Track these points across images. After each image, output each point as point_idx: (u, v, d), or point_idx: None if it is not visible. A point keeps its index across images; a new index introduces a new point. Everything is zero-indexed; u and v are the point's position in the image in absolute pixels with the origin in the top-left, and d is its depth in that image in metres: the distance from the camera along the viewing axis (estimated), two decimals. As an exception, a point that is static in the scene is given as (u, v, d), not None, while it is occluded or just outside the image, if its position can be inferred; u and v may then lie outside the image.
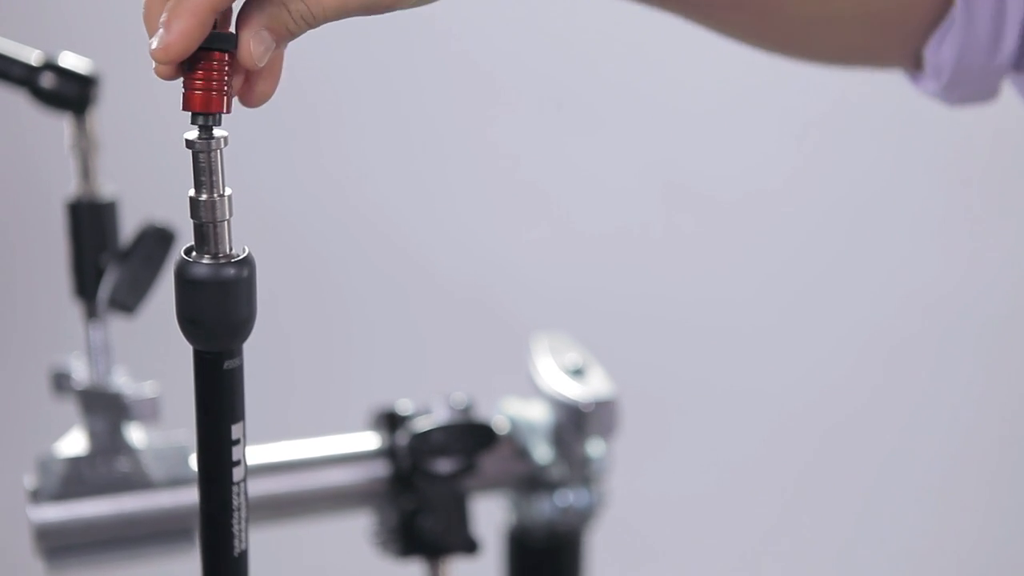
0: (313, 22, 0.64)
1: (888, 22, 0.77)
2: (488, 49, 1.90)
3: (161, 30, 0.61)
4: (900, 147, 1.81)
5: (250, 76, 0.65)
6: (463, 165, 1.95)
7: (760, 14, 0.75)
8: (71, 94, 0.91)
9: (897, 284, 1.84)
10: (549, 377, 0.99)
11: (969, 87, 0.79)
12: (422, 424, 0.96)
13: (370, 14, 0.65)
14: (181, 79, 0.63)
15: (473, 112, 1.93)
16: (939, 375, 1.84)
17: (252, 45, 0.63)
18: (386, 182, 1.97)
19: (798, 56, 0.79)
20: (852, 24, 0.77)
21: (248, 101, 0.67)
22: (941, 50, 0.77)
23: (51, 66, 0.91)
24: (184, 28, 0.61)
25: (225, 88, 0.63)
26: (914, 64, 0.80)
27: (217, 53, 0.62)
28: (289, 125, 1.93)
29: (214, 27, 0.63)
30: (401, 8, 0.64)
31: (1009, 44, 0.76)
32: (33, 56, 0.92)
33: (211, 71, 0.62)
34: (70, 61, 0.92)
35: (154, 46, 0.61)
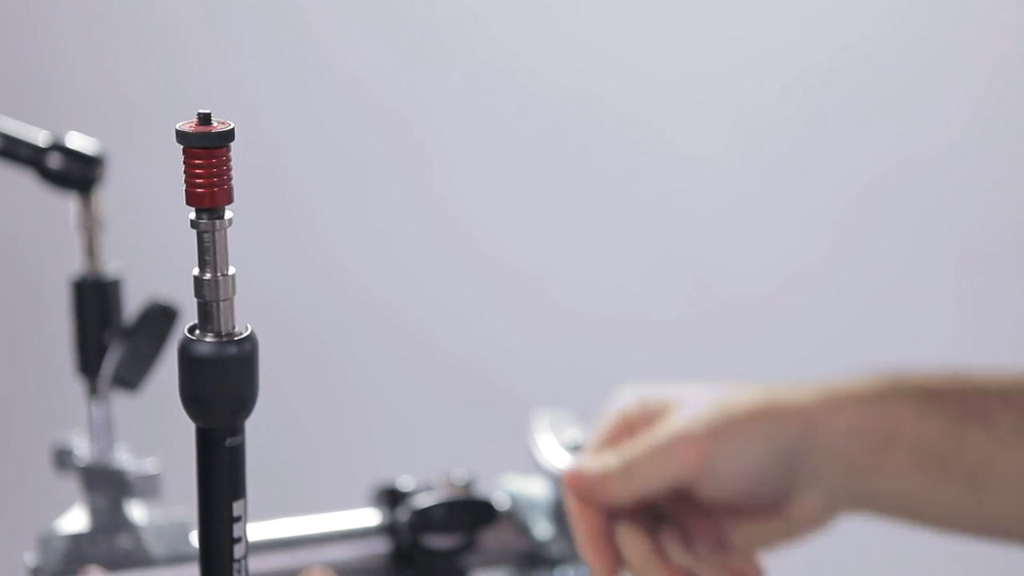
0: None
1: None
2: (510, 127, 1.91)
3: None
4: (915, 239, 1.81)
5: None
6: (468, 240, 1.95)
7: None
8: (78, 174, 0.92)
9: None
10: (549, 453, 0.99)
11: None
12: (422, 501, 0.96)
13: None
14: (182, 171, 0.63)
15: (484, 188, 1.94)
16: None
17: None
18: (389, 257, 1.98)
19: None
20: None
21: None
22: None
23: (58, 147, 0.93)
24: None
25: (227, 180, 0.63)
26: None
27: (215, 149, 0.61)
28: (292, 204, 1.95)
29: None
30: None
31: None
32: (40, 137, 0.93)
33: (210, 167, 0.62)
34: (77, 142, 0.93)
35: None
